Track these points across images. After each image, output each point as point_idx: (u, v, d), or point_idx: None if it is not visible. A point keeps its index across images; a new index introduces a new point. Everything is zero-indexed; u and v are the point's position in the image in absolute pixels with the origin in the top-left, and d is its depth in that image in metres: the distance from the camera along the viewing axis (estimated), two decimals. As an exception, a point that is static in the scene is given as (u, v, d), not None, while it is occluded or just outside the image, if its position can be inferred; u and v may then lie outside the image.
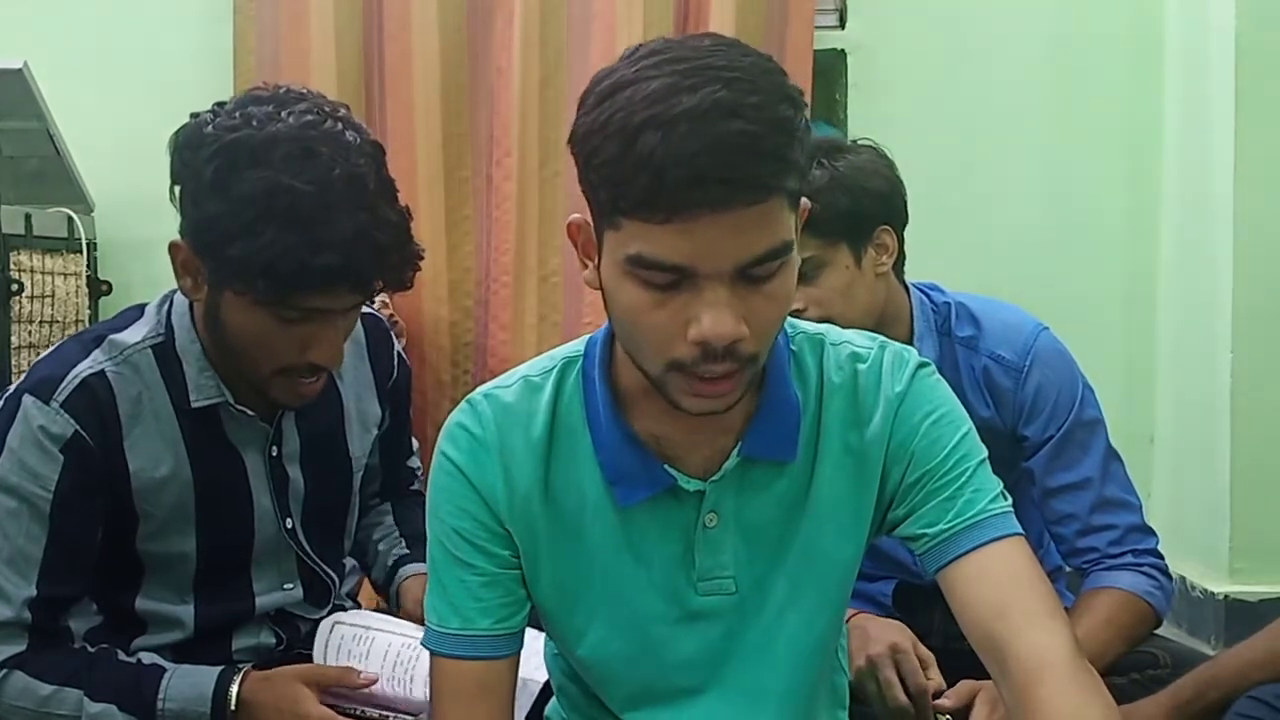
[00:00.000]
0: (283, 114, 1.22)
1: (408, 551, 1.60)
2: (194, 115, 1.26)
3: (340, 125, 1.24)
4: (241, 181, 1.19)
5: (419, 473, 1.73)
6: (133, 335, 1.35)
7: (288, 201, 1.18)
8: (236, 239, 1.19)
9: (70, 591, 1.33)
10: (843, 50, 3.01)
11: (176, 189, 1.27)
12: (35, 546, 1.28)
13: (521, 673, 1.15)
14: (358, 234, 1.20)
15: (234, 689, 1.31)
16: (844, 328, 1.52)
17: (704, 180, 0.88)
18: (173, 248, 1.28)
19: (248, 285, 1.22)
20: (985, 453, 1.12)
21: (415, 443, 1.73)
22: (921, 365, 1.12)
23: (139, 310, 1.40)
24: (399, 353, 1.57)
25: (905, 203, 1.62)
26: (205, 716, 1.30)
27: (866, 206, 1.56)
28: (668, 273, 0.92)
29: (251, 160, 1.19)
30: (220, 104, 1.26)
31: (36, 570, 1.28)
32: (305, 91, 1.28)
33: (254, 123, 1.20)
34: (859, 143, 1.62)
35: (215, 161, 1.20)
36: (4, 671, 1.28)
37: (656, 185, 0.88)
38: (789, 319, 1.09)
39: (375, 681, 1.36)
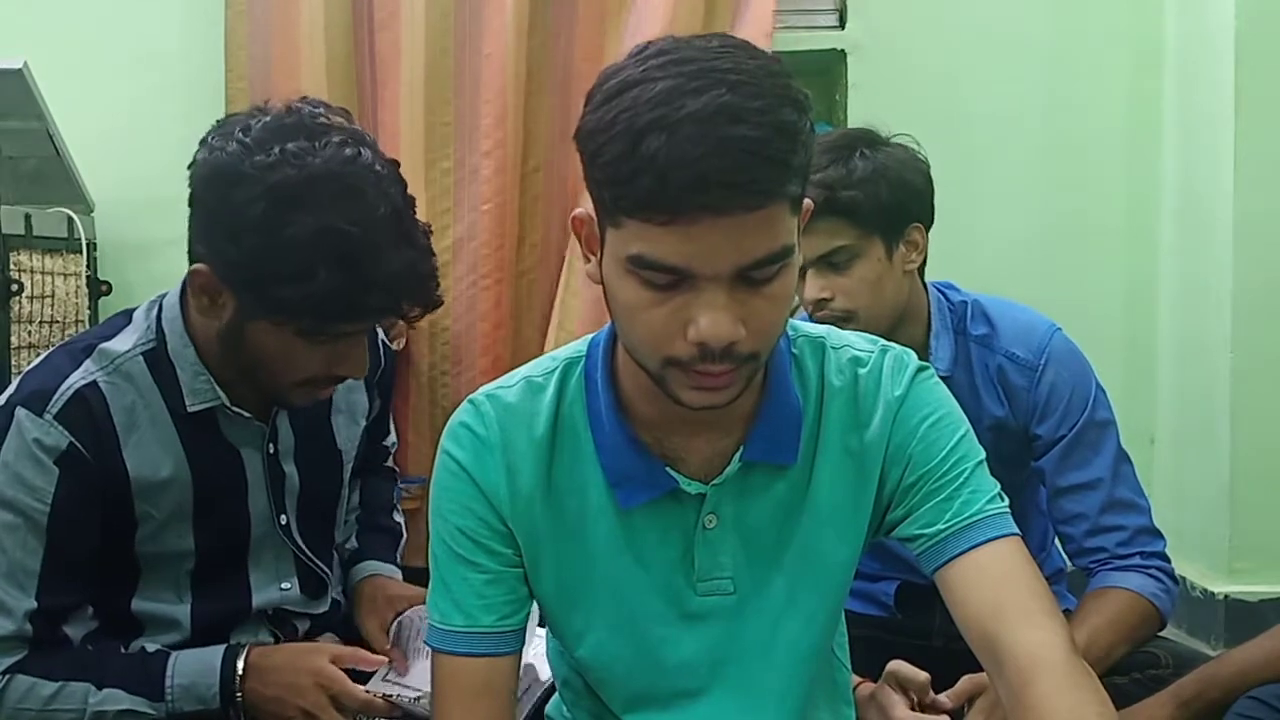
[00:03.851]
0: (317, 146, 1.22)
1: (358, 545, 1.62)
2: (216, 144, 1.24)
3: (370, 154, 1.25)
4: (290, 224, 1.19)
5: (393, 449, 1.75)
6: (123, 343, 1.35)
7: (340, 244, 1.20)
8: (287, 280, 1.20)
9: (69, 601, 1.33)
10: (843, 50, 3.01)
11: (200, 219, 1.27)
12: (33, 559, 1.29)
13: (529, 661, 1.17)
14: (405, 269, 1.24)
15: (242, 660, 1.33)
16: (867, 321, 1.52)
17: (706, 183, 0.88)
18: (193, 273, 1.28)
19: (294, 320, 1.24)
20: (983, 454, 1.12)
21: (394, 431, 1.75)
22: (921, 369, 1.12)
23: (126, 316, 1.40)
24: (382, 341, 1.58)
25: (934, 202, 1.62)
26: (214, 687, 1.32)
27: (904, 201, 1.56)
28: (667, 273, 0.93)
29: (298, 202, 1.19)
30: (244, 130, 1.24)
31: (35, 582, 1.29)
32: (322, 110, 1.28)
33: (292, 160, 1.20)
34: (894, 137, 1.61)
35: (261, 203, 1.20)
36: (6, 678, 1.28)
37: (659, 187, 0.88)
38: (791, 322, 1.09)
39: (386, 661, 1.39)
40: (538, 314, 2.83)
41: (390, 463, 1.76)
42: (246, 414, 1.38)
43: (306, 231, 1.19)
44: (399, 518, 1.71)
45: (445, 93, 2.77)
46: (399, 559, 1.65)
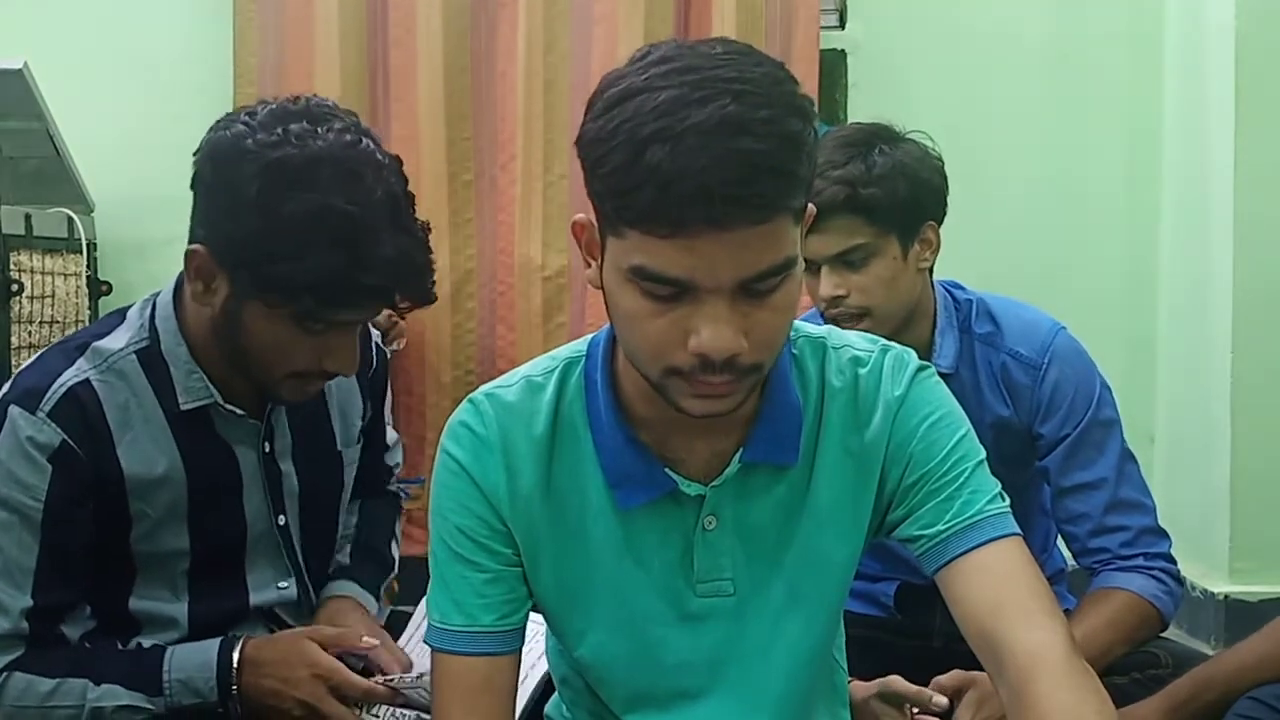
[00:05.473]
0: (320, 130, 1.22)
1: (347, 563, 1.59)
2: (223, 127, 1.25)
3: (372, 144, 1.25)
4: (288, 201, 1.19)
5: (397, 470, 1.73)
6: (116, 341, 1.35)
7: (336, 223, 1.20)
8: (282, 258, 1.20)
9: (66, 599, 1.33)
10: (843, 50, 3.01)
11: (201, 198, 1.27)
12: (28, 557, 1.29)
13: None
14: (400, 254, 1.23)
15: (237, 653, 1.33)
16: (881, 319, 1.52)
17: (710, 197, 0.87)
18: (190, 254, 1.28)
19: (289, 300, 1.24)
20: (984, 454, 1.12)
21: (396, 435, 1.73)
22: (921, 369, 1.12)
23: (120, 315, 1.40)
24: (376, 343, 1.58)
25: (947, 199, 1.62)
26: (211, 680, 1.32)
27: (922, 199, 1.56)
28: (669, 285, 0.92)
29: (297, 180, 1.20)
30: (250, 114, 1.24)
31: (31, 580, 1.29)
32: (329, 103, 1.29)
33: (294, 140, 1.21)
34: (909, 133, 1.60)
35: (260, 180, 1.20)
36: (4, 675, 1.28)
37: (662, 199, 0.88)
38: (794, 322, 1.09)
39: (375, 646, 1.38)
40: (568, 315, 2.89)
41: (394, 486, 1.73)
42: (240, 412, 1.37)
43: (303, 209, 1.19)
44: (395, 551, 1.67)
45: (465, 109, 2.87)
46: (382, 594, 1.60)
